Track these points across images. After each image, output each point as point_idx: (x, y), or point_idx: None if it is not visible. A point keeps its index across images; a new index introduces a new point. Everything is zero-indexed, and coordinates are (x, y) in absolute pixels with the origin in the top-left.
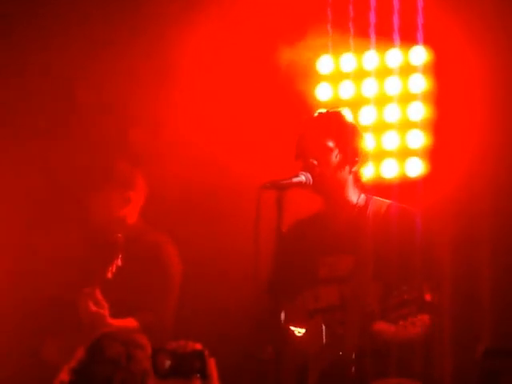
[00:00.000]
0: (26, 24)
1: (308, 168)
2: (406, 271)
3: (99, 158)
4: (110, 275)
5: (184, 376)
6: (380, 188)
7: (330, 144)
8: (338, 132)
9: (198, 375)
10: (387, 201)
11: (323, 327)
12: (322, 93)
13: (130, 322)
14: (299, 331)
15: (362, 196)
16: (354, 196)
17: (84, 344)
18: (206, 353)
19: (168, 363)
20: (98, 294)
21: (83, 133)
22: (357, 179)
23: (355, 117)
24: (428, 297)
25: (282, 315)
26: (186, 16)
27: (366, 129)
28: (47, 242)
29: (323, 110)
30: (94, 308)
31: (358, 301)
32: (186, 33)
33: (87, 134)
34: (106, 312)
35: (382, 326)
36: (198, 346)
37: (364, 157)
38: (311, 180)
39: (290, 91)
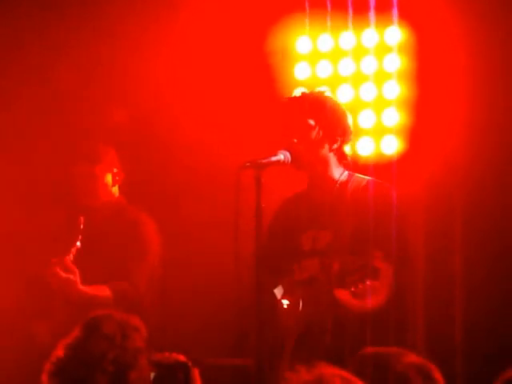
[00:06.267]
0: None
1: (289, 146)
2: (379, 243)
3: (74, 136)
4: (71, 257)
5: None
6: (356, 165)
7: (311, 122)
8: (319, 110)
9: None
10: (367, 177)
11: (300, 298)
12: (300, 72)
13: (103, 291)
14: (285, 303)
15: (345, 173)
16: (337, 173)
17: (78, 322)
18: (189, 364)
19: (152, 374)
20: (68, 261)
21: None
22: (341, 157)
23: (333, 95)
24: (378, 263)
25: (278, 290)
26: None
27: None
28: (28, 220)
29: (305, 91)
30: (63, 274)
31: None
32: (169, 14)
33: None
34: (76, 278)
35: (342, 294)
36: (182, 358)
37: (348, 135)
38: (290, 158)
39: (270, 71)
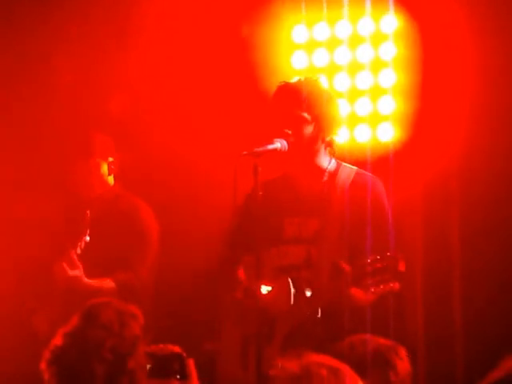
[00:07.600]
0: None
1: (282, 137)
2: (374, 238)
3: (70, 126)
4: (79, 251)
5: (164, 377)
6: (353, 152)
7: (306, 115)
8: (314, 103)
9: (178, 376)
10: (354, 167)
11: (292, 288)
12: (297, 61)
13: (107, 283)
14: (266, 289)
15: (333, 161)
16: (325, 161)
17: (78, 311)
18: (184, 354)
19: (148, 366)
20: (74, 257)
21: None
22: (328, 145)
23: (329, 84)
24: (401, 266)
25: (241, 269)
26: None
27: (340, 95)
28: (28, 211)
29: (298, 78)
30: (70, 272)
31: (325, 263)
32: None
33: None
34: (81, 273)
35: (357, 292)
36: (177, 349)
37: (338, 124)
38: (286, 146)
39: (265, 61)
